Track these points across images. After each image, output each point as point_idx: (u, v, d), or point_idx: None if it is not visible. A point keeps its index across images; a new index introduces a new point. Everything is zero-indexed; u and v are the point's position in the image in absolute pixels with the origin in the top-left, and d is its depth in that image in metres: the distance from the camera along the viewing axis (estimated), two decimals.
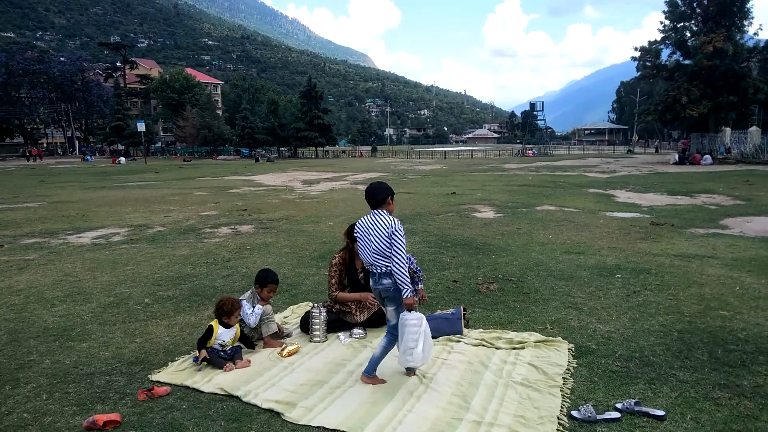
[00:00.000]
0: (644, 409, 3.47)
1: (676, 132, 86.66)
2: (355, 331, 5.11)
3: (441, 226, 11.57)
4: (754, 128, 41.76)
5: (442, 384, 4.01)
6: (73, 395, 3.98)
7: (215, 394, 3.99)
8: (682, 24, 40.92)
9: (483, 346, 4.72)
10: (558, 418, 3.43)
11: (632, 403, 3.50)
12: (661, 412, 3.42)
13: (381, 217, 4.02)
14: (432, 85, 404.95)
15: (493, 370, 4.23)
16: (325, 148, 78.92)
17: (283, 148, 75.81)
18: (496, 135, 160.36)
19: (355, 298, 5.24)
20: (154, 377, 4.28)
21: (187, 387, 4.10)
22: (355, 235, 4.25)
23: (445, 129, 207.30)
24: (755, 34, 42.23)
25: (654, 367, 4.19)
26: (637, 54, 41.70)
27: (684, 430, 3.28)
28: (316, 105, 72.36)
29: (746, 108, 40.58)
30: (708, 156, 37.06)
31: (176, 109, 77.35)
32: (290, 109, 78.54)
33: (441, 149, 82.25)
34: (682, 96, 38.00)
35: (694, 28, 40.26)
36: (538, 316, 5.52)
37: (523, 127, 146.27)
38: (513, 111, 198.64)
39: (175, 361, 4.60)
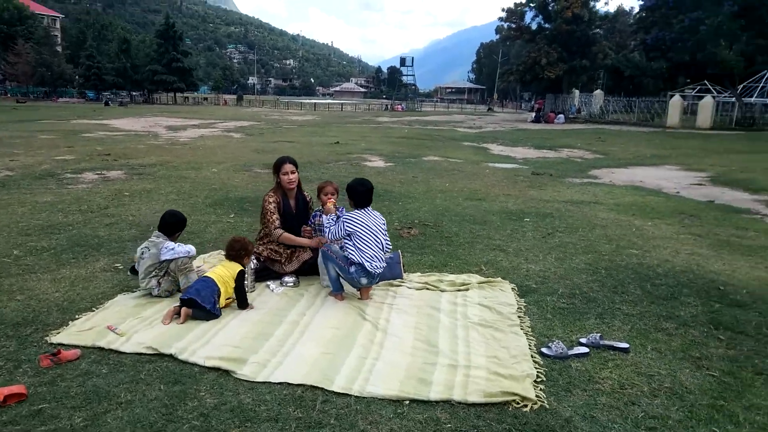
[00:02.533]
0: (609, 342, 3.48)
1: (527, 93, 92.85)
2: (286, 279, 4.64)
3: (336, 174, 11.15)
4: (598, 91, 45.83)
5: (400, 329, 3.74)
6: None
7: (140, 354, 3.37)
8: None
9: (427, 289, 4.51)
10: (531, 356, 3.32)
11: (597, 338, 3.49)
12: (625, 345, 3.45)
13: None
14: (298, 35, 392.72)
15: (446, 312, 4.04)
16: (184, 94, 73.63)
17: (135, 92, 69.38)
18: (363, 89, 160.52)
19: (306, 243, 4.70)
20: (54, 339, 3.52)
21: (101, 348, 3.42)
22: (362, 225, 4.23)
23: (312, 81, 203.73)
24: (606, 3, 45.83)
25: (597, 302, 4.27)
26: (504, 15, 43.44)
27: (650, 360, 3.33)
28: (175, 46, 66.89)
29: (595, 72, 44.26)
30: (561, 115, 40.07)
31: (5, 43, 67.10)
32: (144, 50, 71.78)
33: (309, 101, 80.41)
34: (542, 58, 40.44)
35: None
36: (468, 258, 5.43)
37: (389, 83, 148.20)
38: (379, 66, 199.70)
39: (77, 319, 3.84)
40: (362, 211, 4.32)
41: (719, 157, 17.00)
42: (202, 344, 3.46)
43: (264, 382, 3.06)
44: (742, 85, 37.55)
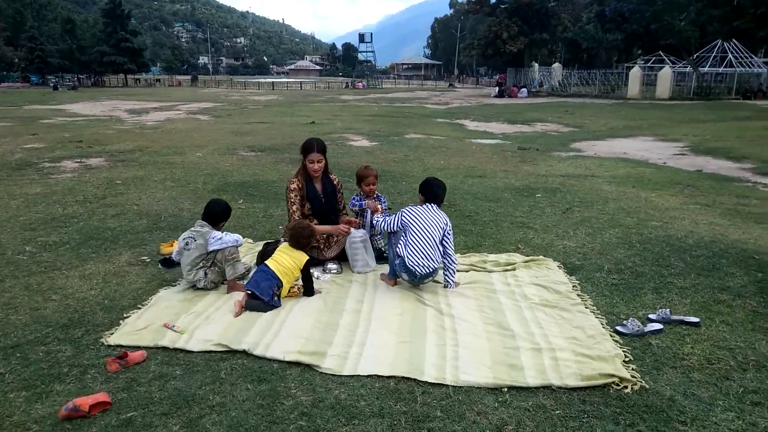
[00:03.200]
0: (680, 317, 3.51)
1: (483, 68, 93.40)
2: (330, 266, 4.51)
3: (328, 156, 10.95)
4: (556, 65, 46.40)
5: (465, 313, 3.67)
6: (11, 377, 2.92)
7: (209, 352, 3.21)
8: None
9: (474, 270, 4.46)
10: (610, 335, 3.32)
11: (667, 313, 3.51)
12: (696, 319, 3.48)
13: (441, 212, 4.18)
14: (247, 12, 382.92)
15: (504, 294, 4.00)
16: (135, 75, 70.97)
17: (83, 75, 66.39)
18: (318, 67, 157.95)
19: (328, 231, 4.58)
20: (111, 341, 3.32)
21: (164, 348, 3.25)
22: (417, 220, 4.06)
23: (265, 59, 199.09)
24: None
25: (647, 277, 4.31)
26: None
27: (723, 333, 3.38)
28: (123, 26, 64.17)
29: (555, 45, 44.75)
30: (524, 89, 40.43)
31: None
32: (89, 31, 68.62)
33: (266, 80, 78.68)
34: (502, 32, 40.61)
35: None
36: (500, 236, 5.41)
37: (345, 60, 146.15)
38: (334, 43, 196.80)
39: (126, 317, 3.64)
40: (426, 206, 4.14)
41: (688, 126, 17.48)
42: (272, 337, 3.32)
43: (351, 376, 2.96)
44: (695, 56, 38.65)
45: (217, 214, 4.24)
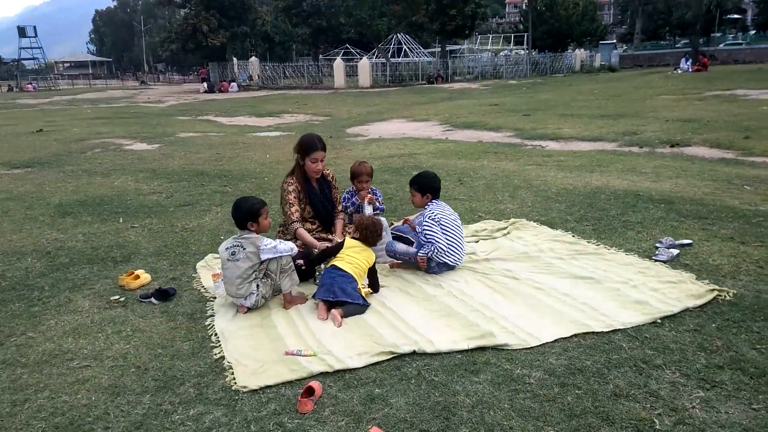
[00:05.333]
0: (679, 241, 4.37)
1: (161, 64, 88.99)
2: None
3: (103, 163, 9.48)
4: (253, 58, 46.99)
5: (538, 276, 3.91)
6: None
7: (374, 365, 2.86)
8: None
9: (483, 240, 4.69)
10: (661, 263, 3.98)
11: (671, 240, 4.36)
12: (689, 241, 4.38)
13: None
14: None
15: (533, 254, 4.34)
16: None
17: None
18: None
19: (318, 246, 3.98)
20: (244, 385, 2.67)
21: (325, 373, 2.73)
22: (443, 217, 4.08)
23: None
24: None
25: (606, 220, 5.14)
26: None
27: (717, 248, 4.34)
28: None
29: (256, 39, 45.22)
30: (234, 83, 40.02)
31: None
32: None
33: None
34: (202, 24, 39.25)
35: None
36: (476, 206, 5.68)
37: None
38: None
39: (220, 357, 2.88)
40: (437, 202, 4.21)
41: (421, 107, 19.93)
42: (419, 333, 3.13)
43: (538, 346, 2.99)
44: (379, 47, 43.79)
45: (250, 214, 3.56)
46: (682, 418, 2.37)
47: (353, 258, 3.61)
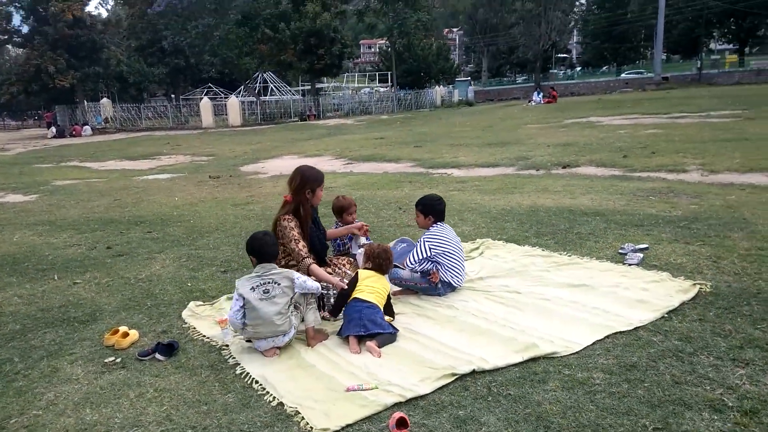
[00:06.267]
0: (637, 246, 4.84)
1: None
2: None
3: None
4: (105, 100, 44.10)
5: (541, 291, 4.12)
6: None
7: (441, 389, 2.84)
8: None
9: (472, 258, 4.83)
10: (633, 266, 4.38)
11: (632, 245, 4.81)
12: (646, 245, 4.87)
13: None
14: None
15: (519, 267, 4.56)
16: None
17: None
18: None
19: (334, 282, 3.85)
20: (319, 424, 2.52)
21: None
22: (446, 241, 4.19)
23: None
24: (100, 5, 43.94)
25: (563, 232, 5.53)
26: None
27: (671, 248, 4.86)
28: None
29: (109, 80, 42.42)
30: (87, 126, 37.11)
31: None
32: None
33: None
34: (48, 65, 36.14)
35: None
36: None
37: None
38: None
39: (300, 416, 2.69)
40: (440, 225, 4.30)
41: (306, 143, 19.94)
42: (463, 353, 3.18)
43: (581, 350, 3.16)
44: (245, 86, 43.20)
45: (271, 248, 3.43)
46: (742, 394, 2.64)
47: (373, 287, 3.56)
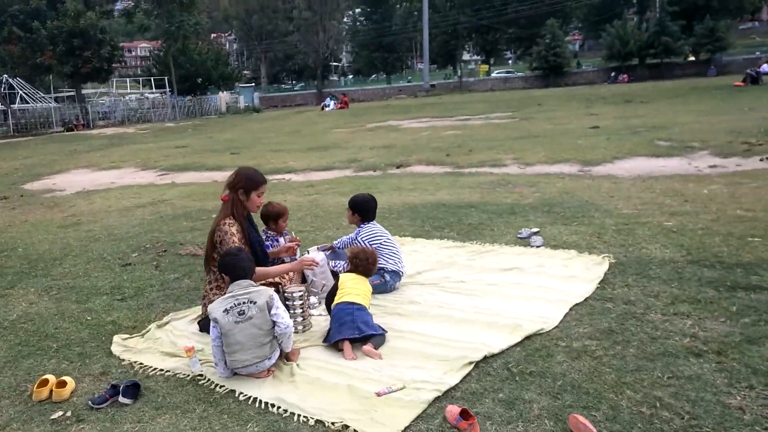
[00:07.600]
0: (529, 229, 5.37)
1: None
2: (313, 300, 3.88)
3: None
4: None
5: (483, 278, 4.33)
6: None
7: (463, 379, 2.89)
8: None
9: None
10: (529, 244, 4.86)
11: (529, 229, 5.32)
12: (537, 229, 5.41)
13: None
14: None
15: (445, 258, 4.74)
16: None
17: None
18: None
19: (289, 269, 3.87)
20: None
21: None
22: (382, 235, 4.34)
23: None
24: None
25: (463, 218, 5.85)
26: None
27: (559, 229, 5.48)
28: None
29: None
30: None
31: None
32: None
33: None
34: None
35: None
36: (332, 234, 5.56)
37: None
38: None
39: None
40: (372, 223, 4.42)
41: (92, 156, 17.60)
42: (469, 338, 3.29)
43: (556, 327, 3.45)
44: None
45: (245, 263, 3.12)
46: (704, 340, 3.14)
47: (359, 288, 3.43)
